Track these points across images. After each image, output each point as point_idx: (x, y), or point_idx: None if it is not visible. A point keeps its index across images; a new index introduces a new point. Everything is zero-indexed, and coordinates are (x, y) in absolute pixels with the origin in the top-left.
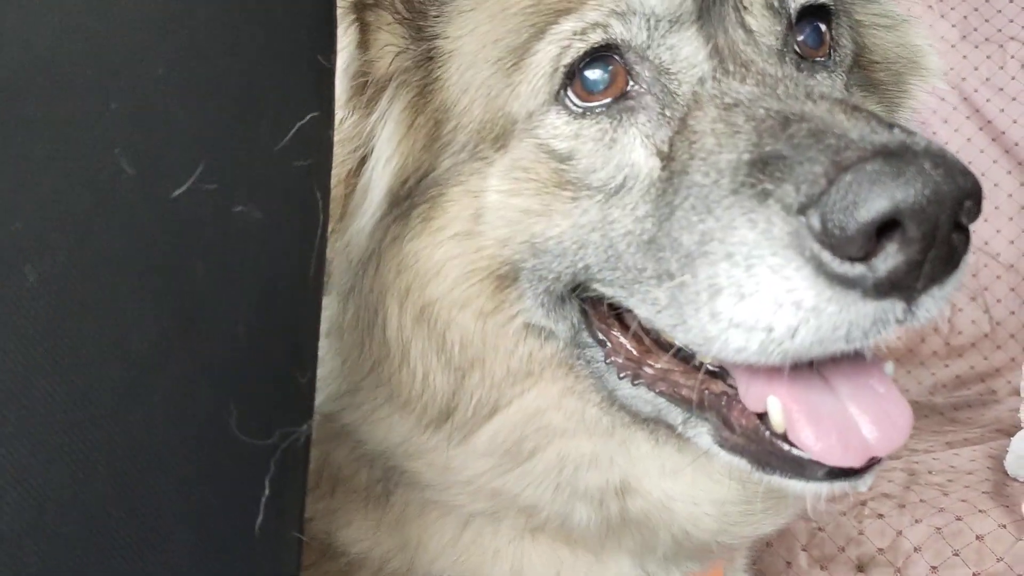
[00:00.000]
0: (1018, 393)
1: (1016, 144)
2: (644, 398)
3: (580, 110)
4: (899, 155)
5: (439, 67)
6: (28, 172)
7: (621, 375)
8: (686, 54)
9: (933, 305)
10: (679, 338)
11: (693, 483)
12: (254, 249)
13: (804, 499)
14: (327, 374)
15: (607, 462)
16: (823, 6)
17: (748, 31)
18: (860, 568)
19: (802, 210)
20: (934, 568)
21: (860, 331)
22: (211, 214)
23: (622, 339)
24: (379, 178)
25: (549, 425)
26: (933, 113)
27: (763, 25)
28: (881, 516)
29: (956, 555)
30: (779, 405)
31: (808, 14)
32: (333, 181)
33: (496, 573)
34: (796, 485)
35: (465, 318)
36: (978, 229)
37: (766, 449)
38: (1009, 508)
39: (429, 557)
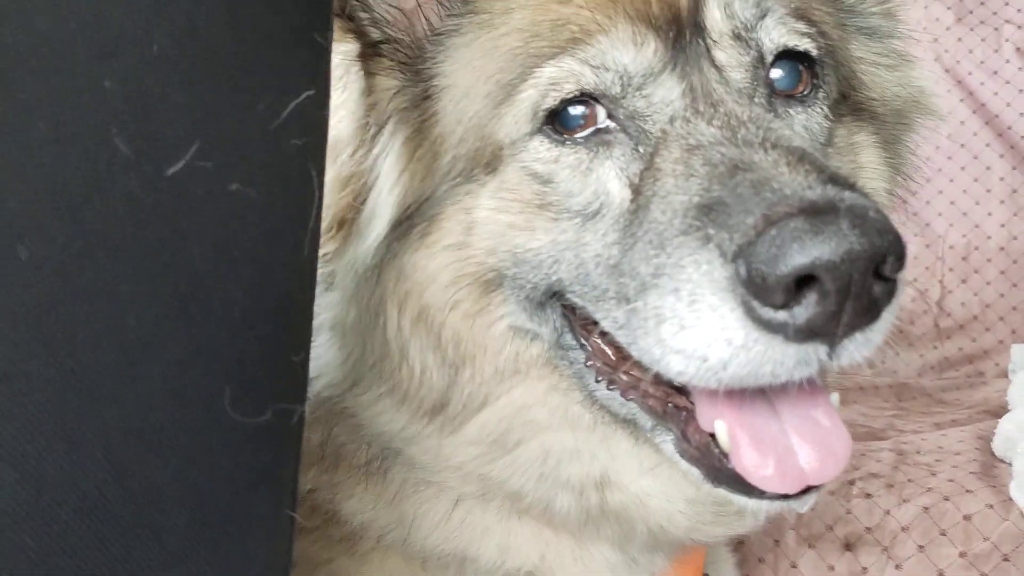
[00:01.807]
0: (1006, 375)
1: (1009, 127)
2: (618, 401)
3: (560, 138)
4: (822, 213)
5: (435, 103)
6: (22, 151)
7: (598, 379)
8: (659, 97)
9: (857, 349)
10: (634, 354)
11: (668, 481)
12: (249, 228)
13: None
14: (330, 364)
15: (588, 456)
16: (801, 53)
17: (719, 68)
18: (848, 547)
19: (735, 258)
20: (921, 547)
21: (785, 370)
22: (206, 193)
23: (601, 345)
24: (383, 205)
25: (534, 419)
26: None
27: (732, 58)
28: (869, 496)
29: (943, 535)
30: (724, 428)
31: (787, 56)
32: (341, 208)
33: (485, 549)
34: (740, 499)
35: (455, 318)
36: (969, 212)
37: (715, 465)
38: (996, 489)
39: (423, 532)
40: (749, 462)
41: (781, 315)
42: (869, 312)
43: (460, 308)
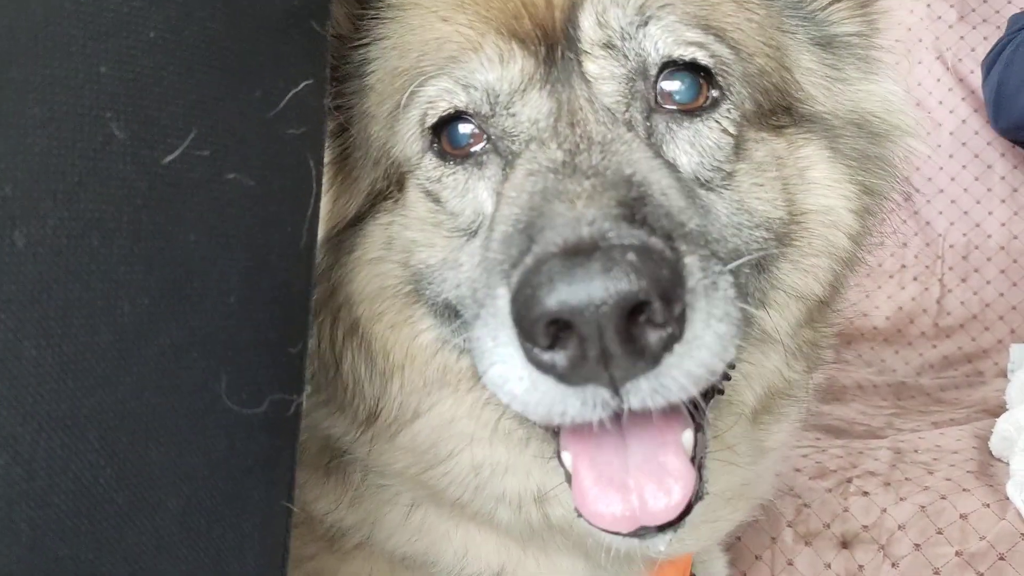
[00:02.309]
0: (1005, 375)
1: None
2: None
3: (444, 156)
4: (579, 255)
5: (352, 129)
6: (18, 135)
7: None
8: (526, 117)
9: (647, 395)
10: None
11: None
12: (246, 217)
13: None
14: None
15: (523, 471)
16: (696, 65)
17: (588, 82)
18: (844, 544)
19: (512, 295)
20: (917, 545)
21: (572, 410)
22: (203, 181)
23: None
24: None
25: (463, 432)
26: (929, 94)
27: (603, 70)
28: (866, 493)
29: (940, 533)
30: (570, 461)
31: (681, 67)
32: None
33: (445, 553)
34: (596, 532)
35: (381, 329)
36: (970, 211)
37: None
38: (993, 488)
39: (385, 533)
40: (587, 497)
41: (547, 356)
42: (641, 357)
43: (384, 319)
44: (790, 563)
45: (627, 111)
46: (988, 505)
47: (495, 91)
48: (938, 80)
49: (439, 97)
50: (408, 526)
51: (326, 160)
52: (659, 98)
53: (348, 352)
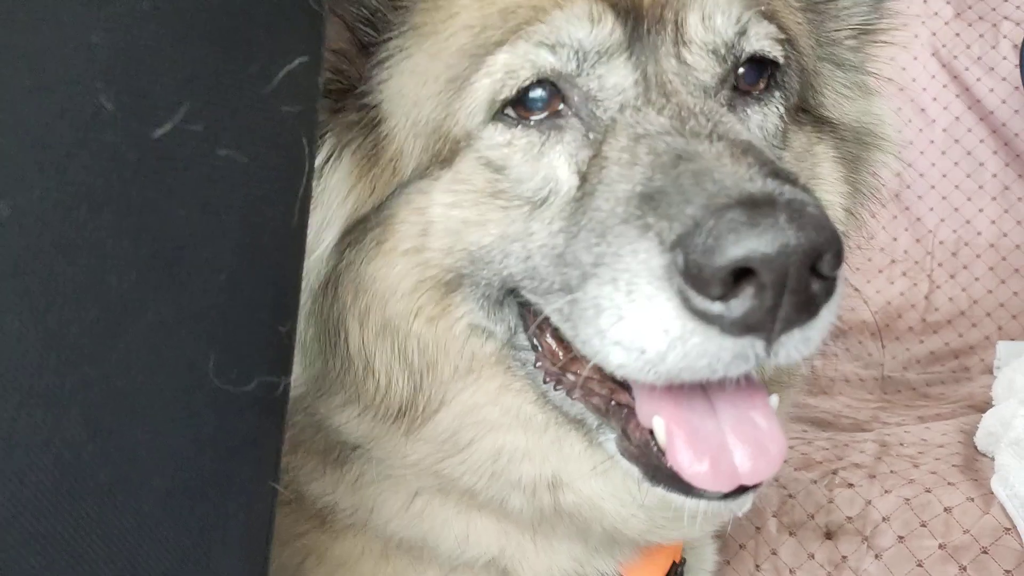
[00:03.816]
0: (991, 371)
1: (1004, 124)
2: (568, 401)
3: (515, 121)
4: (760, 206)
5: (386, 124)
6: (5, 104)
7: (546, 380)
8: (613, 82)
9: (795, 347)
10: (577, 347)
11: (621, 485)
12: (237, 193)
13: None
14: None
15: (540, 457)
16: (770, 60)
17: (683, 63)
18: (828, 535)
19: (673, 247)
20: (901, 538)
21: (722, 364)
22: (194, 156)
23: (553, 345)
24: (334, 216)
25: (486, 419)
26: (923, 91)
27: (699, 63)
28: (851, 485)
29: (924, 526)
30: (662, 425)
31: (753, 60)
32: None
33: (445, 539)
34: (677, 499)
35: (419, 326)
36: (961, 208)
37: (653, 463)
38: (978, 482)
39: (383, 518)
40: (684, 459)
41: (717, 307)
42: (807, 309)
43: (423, 314)
44: (774, 553)
45: (718, 92)
46: (972, 499)
47: (584, 49)
48: (933, 77)
49: (519, 66)
50: (408, 513)
51: (352, 155)
52: (736, 80)
53: (381, 353)
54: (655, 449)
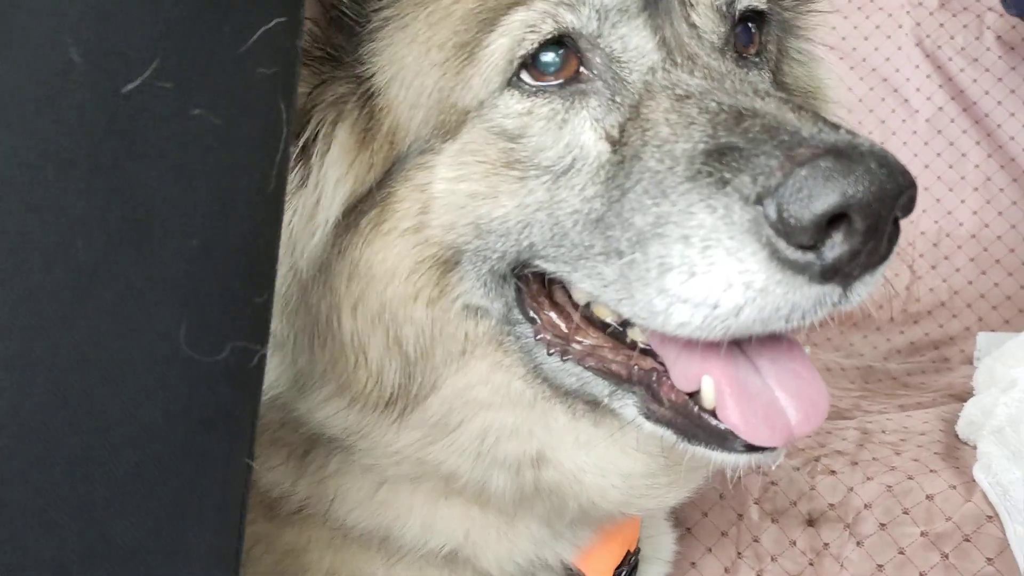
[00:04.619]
0: (971, 362)
1: (987, 115)
2: (571, 372)
3: (533, 88)
4: (848, 154)
5: (383, 96)
6: None
7: (550, 351)
8: (636, 43)
9: (864, 290)
10: (624, 311)
11: (603, 456)
12: (211, 156)
13: (717, 469)
14: (273, 381)
15: (527, 433)
16: (760, 11)
17: (692, 26)
18: (810, 522)
19: (759, 200)
20: (883, 525)
21: (800, 312)
22: (166, 115)
23: (553, 316)
24: (332, 199)
25: (476, 399)
26: (906, 81)
27: (707, 24)
28: (833, 472)
29: (906, 513)
30: (711, 384)
31: (745, 17)
32: None
33: (408, 527)
34: (717, 456)
35: (417, 310)
36: (943, 198)
37: (693, 423)
38: (960, 470)
39: (345, 509)
40: (737, 416)
41: (808, 255)
42: (885, 252)
43: (423, 296)
44: (756, 540)
45: (726, 55)
46: (955, 487)
47: (605, 7)
48: (916, 67)
49: (539, 20)
50: (372, 503)
51: (346, 133)
52: (736, 43)
53: (375, 341)
54: (696, 410)
